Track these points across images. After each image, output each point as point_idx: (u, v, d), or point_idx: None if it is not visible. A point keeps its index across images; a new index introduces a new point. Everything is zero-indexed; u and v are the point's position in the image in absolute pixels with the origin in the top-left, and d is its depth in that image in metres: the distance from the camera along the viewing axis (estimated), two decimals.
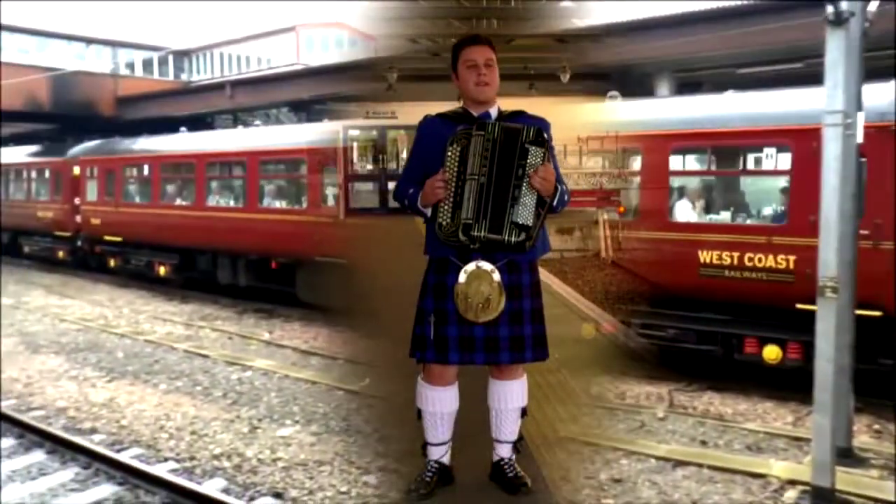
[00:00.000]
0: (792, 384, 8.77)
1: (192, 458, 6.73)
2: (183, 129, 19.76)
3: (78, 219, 20.34)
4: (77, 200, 20.39)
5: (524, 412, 3.31)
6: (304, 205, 14.52)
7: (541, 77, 15.62)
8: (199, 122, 22.19)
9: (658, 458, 6.66)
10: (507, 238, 3.01)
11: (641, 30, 14.86)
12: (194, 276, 16.91)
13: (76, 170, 20.58)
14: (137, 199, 18.69)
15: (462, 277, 3.03)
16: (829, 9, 5.53)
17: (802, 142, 8.85)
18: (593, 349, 9.00)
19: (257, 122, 19.73)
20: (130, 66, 26.75)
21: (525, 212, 3.02)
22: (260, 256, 15.01)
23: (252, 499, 5.85)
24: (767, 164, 9.95)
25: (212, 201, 16.47)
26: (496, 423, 3.28)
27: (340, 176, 14.61)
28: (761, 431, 7.67)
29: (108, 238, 19.21)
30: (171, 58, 27.00)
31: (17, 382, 9.40)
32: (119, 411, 8.20)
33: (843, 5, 5.50)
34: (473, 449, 3.40)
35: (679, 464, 6.57)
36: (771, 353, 9.04)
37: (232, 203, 16.07)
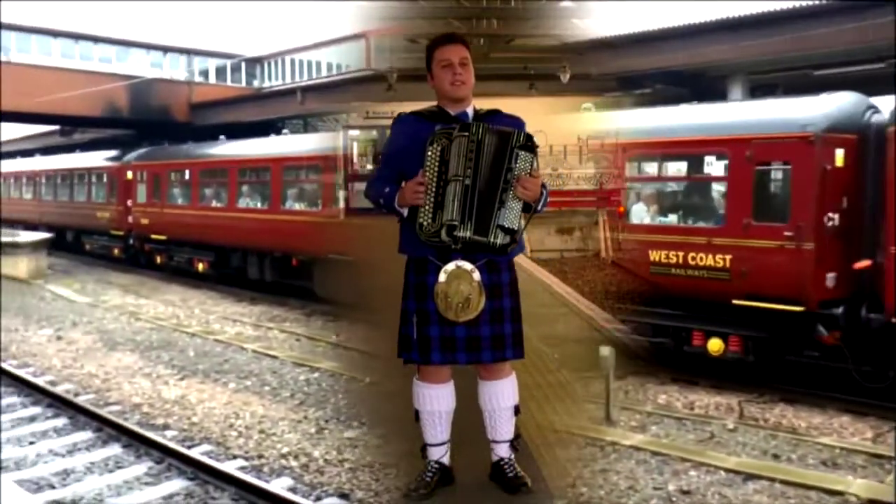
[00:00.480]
0: (870, 397, 8.49)
1: (260, 457, 6.85)
2: (222, 137, 21.18)
3: (130, 219, 22.03)
4: (129, 202, 22.10)
5: (517, 410, 3.29)
6: (320, 207, 15.75)
7: (541, 77, 15.52)
8: (270, 128, 22.61)
9: (728, 471, 6.51)
10: (492, 240, 3.01)
11: (713, 31, 14.55)
12: (229, 272, 18.28)
13: (129, 174, 22.23)
14: (180, 201, 20.30)
15: (442, 277, 3.02)
16: None
17: (737, 150, 9.82)
18: (592, 348, 9.17)
19: (285, 130, 20.42)
20: (204, 73, 27.49)
21: (511, 215, 3.02)
22: (283, 254, 16.35)
23: (318, 499, 5.91)
24: (711, 171, 11.10)
25: (242, 203, 17.89)
26: (491, 424, 3.26)
27: (341, 176, 15.16)
28: (838, 447, 7.42)
29: (154, 237, 20.95)
30: (243, 65, 27.64)
31: (96, 378, 9.73)
32: (190, 408, 8.41)
33: None
34: (473, 449, 3.38)
35: (750, 477, 6.41)
36: (714, 345, 9.80)
37: (259, 205, 17.48)
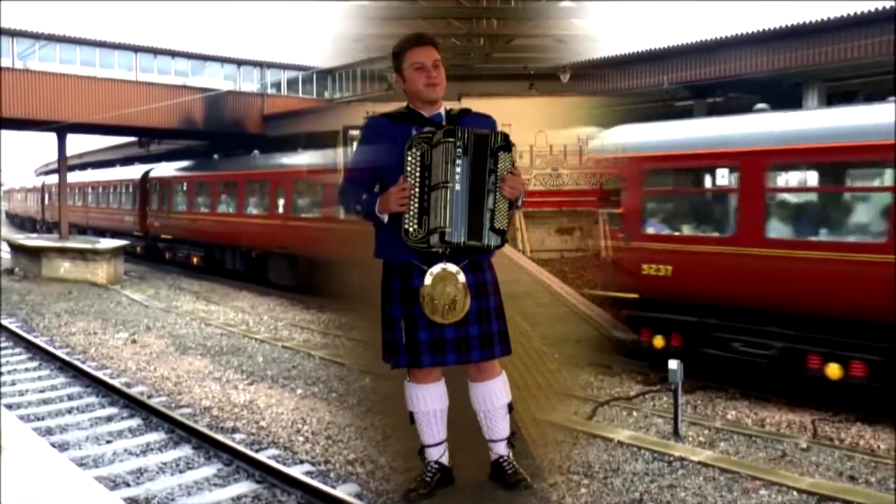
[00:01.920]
0: None
1: (326, 462, 6.93)
2: (216, 155, 25.42)
3: (147, 223, 26.73)
4: (147, 209, 26.88)
5: (511, 407, 3.28)
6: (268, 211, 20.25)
7: (541, 77, 15.39)
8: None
9: (801, 491, 6.29)
10: (486, 243, 3.01)
11: (789, 37, 14.20)
12: (216, 265, 22.41)
13: (149, 184, 26.97)
14: (180, 208, 24.80)
15: (427, 280, 3.02)
16: None
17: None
18: (590, 348, 9.92)
19: (256, 151, 23.53)
20: (277, 85, 28.07)
21: (501, 216, 3.03)
22: (246, 248, 20.66)
23: None
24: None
25: (220, 209, 22.55)
26: (487, 424, 3.26)
27: (340, 175, 16.20)
28: None
29: (163, 236, 25.46)
30: (314, 76, 28.10)
31: (168, 381, 10.01)
32: (258, 413, 8.57)
33: None
34: (473, 449, 3.39)
35: (824, 499, 6.18)
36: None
37: (230, 210, 22.04)
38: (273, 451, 7.17)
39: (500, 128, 3.17)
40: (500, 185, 3.01)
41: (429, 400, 3.24)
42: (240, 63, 27.29)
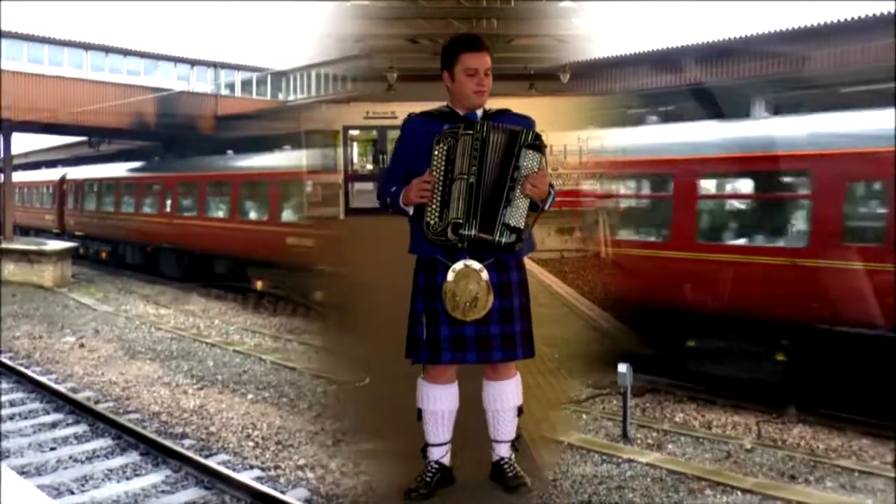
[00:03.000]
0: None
1: (276, 468, 6.89)
2: (136, 162, 26.73)
3: (64, 221, 28.89)
4: (64, 208, 29.11)
5: (520, 410, 3.30)
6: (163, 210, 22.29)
7: (541, 77, 15.57)
8: (297, 139, 22.81)
9: (744, 491, 6.46)
10: (497, 238, 3.03)
11: (734, 49, 14.54)
12: (121, 259, 24.53)
13: (65, 186, 29.13)
14: (91, 208, 26.81)
15: (450, 276, 3.03)
16: None
17: None
18: (592, 349, 9.76)
19: (157, 157, 25.73)
20: (230, 86, 27.76)
21: (517, 214, 3.04)
22: (142, 244, 23.08)
23: None
24: None
25: (123, 209, 24.46)
26: (494, 423, 3.28)
27: (341, 175, 16.42)
28: (857, 470, 7.33)
29: (77, 234, 27.24)
30: (269, 78, 27.84)
31: (116, 386, 9.84)
32: (208, 418, 8.47)
33: None
34: (473, 449, 3.40)
35: (766, 498, 6.35)
36: None
37: (131, 210, 23.98)
38: (223, 457, 7.11)
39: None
40: (522, 182, 3.03)
41: (439, 400, 3.23)
42: (193, 63, 26.92)
